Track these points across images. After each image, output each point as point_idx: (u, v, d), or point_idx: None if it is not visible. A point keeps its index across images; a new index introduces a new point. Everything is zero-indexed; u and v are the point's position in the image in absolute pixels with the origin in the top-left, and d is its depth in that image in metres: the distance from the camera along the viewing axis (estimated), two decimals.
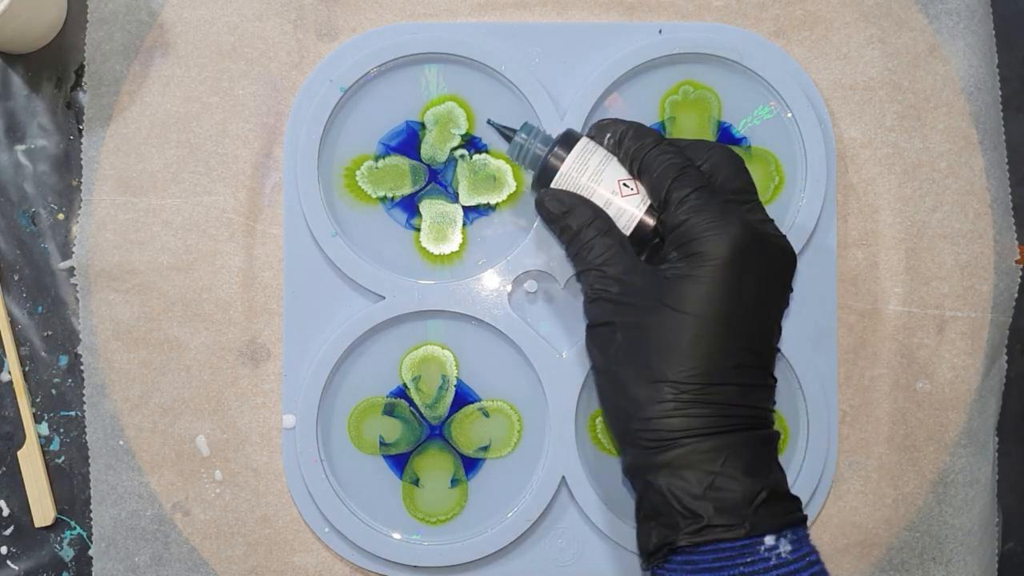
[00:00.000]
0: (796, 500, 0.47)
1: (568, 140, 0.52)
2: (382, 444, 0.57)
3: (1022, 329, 0.61)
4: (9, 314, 0.59)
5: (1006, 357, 0.59)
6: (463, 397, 0.57)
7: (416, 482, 0.57)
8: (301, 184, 0.56)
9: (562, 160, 0.52)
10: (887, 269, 0.58)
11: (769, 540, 0.44)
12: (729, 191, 0.49)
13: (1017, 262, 0.59)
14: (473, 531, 0.56)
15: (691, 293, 0.46)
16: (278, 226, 0.57)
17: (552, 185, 0.52)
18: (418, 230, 0.58)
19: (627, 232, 0.51)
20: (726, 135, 0.58)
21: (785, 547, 0.44)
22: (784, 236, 0.50)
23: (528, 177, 0.57)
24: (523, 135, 0.53)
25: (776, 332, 0.49)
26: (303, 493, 0.56)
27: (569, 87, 0.57)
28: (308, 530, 0.57)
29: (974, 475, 0.58)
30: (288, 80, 0.58)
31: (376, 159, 0.58)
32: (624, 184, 0.51)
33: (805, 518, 0.46)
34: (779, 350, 0.51)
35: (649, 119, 0.58)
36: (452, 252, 0.58)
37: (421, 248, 0.58)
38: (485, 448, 0.57)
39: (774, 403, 0.49)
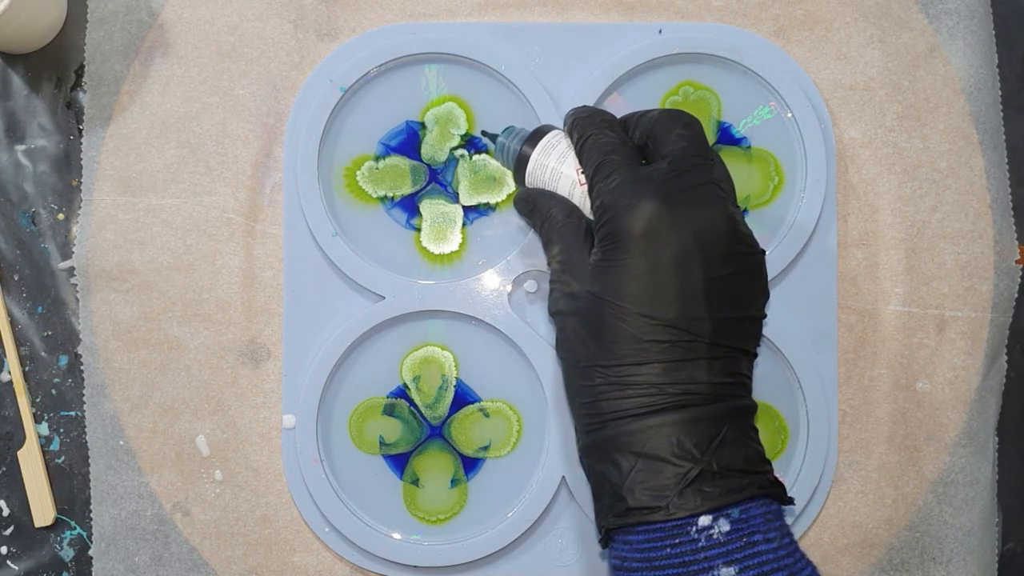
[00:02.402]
0: (756, 475, 0.44)
1: (539, 134, 0.53)
2: (382, 444, 0.57)
3: (1022, 329, 0.60)
4: (9, 314, 0.59)
5: (1006, 357, 0.59)
6: (463, 397, 0.57)
7: (416, 482, 0.57)
8: (301, 184, 0.56)
9: (530, 154, 0.52)
10: (887, 269, 0.58)
11: (704, 520, 0.42)
12: (667, 158, 0.47)
13: (1017, 262, 0.59)
14: (473, 531, 0.56)
15: (606, 277, 0.46)
16: (278, 226, 0.57)
17: (526, 179, 0.53)
18: (418, 230, 0.58)
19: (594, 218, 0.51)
20: (726, 135, 0.58)
21: (722, 527, 0.42)
22: (724, 198, 0.47)
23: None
24: (504, 137, 0.54)
25: (719, 301, 0.45)
26: (303, 493, 0.56)
27: (569, 87, 0.57)
28: (308, 530, 0.57)
29: (974, 475, 0.58)
30: (288, 80, 0.58)
31: (376, 159, 0.58)
32: (582, 172, 0.51)
33: (762, 493, 0.44)
34: (747, 318, 0.47)
35: None
36: (452, 252, 0.58)
37: (421, 248, 0.58)
38: (485, 448, 0.57)
39: (741, 374, 0.46)
